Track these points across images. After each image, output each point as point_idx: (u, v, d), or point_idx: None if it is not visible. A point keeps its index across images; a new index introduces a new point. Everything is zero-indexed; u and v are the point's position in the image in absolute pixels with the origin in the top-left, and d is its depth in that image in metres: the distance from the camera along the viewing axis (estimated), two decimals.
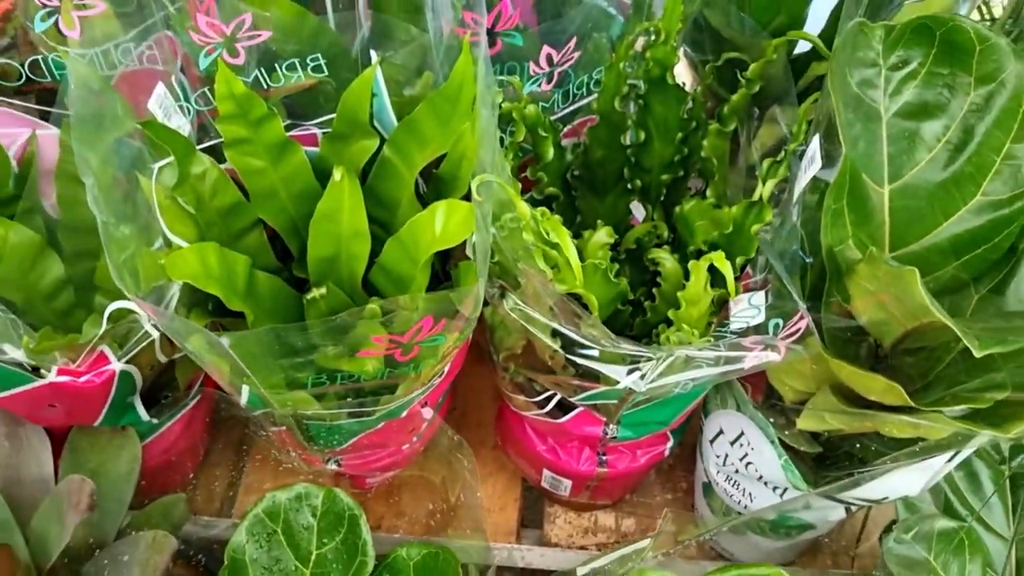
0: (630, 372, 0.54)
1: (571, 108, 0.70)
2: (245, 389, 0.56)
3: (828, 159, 0.56)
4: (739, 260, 0.58)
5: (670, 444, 0.75)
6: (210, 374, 0.57)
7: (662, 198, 0.70)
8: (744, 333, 0.57)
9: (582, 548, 0.82)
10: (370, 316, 0.48)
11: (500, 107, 0.59)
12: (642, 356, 0.52)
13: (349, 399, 0.58)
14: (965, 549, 0.63)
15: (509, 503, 0.85)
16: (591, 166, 0.70)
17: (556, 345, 0.58)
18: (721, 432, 0.72)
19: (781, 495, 0.71)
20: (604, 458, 0.74)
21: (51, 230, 0.69)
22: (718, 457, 0.73)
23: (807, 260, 0.59)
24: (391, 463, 0.74)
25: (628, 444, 0.72)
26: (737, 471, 0.72)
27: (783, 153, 0.57)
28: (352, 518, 0.62)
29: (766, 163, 0.58)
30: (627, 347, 0.52)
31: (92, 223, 0.66)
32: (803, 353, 0.53)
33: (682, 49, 0.74)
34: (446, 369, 0.61)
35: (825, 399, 0.60)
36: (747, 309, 0.58)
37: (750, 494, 0.73)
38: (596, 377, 0.58)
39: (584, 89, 0.68)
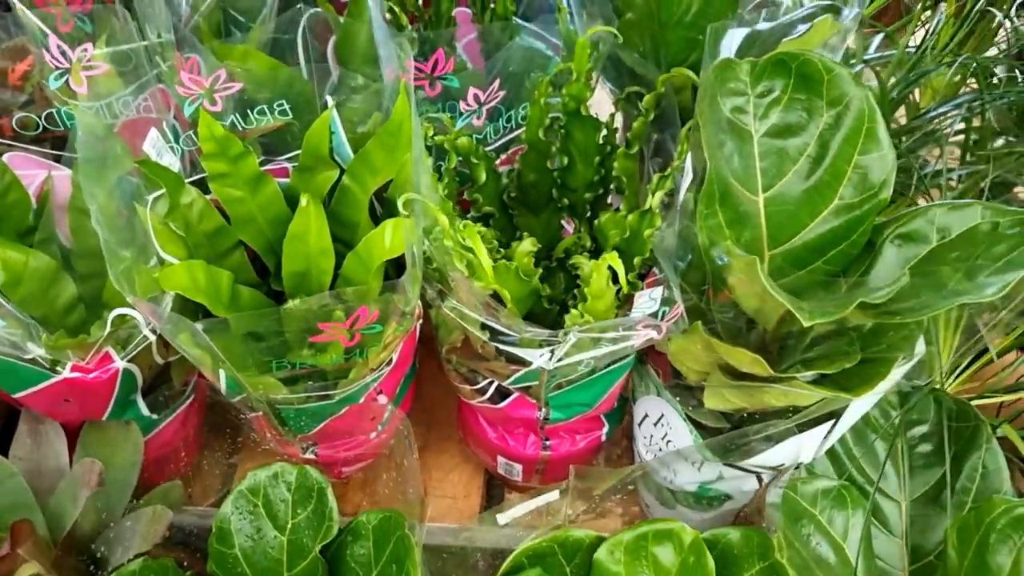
0: (542, 354, 0.65)
1: (505, 139, 0.81)
2: (223, 376, 0.67)
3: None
4: (636, 260, 0.69)
5: (606, 429, 0.86)
6: (196, 365, 0.68)
7: (587, 213, 0.82)
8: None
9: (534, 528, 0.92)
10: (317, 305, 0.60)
11: (433, 139, 0.71)
12: (549, 339, 0.63)
13: (311, 383, 0.69)
14: (847, 503, 0.73)
15: (473, 491, 0.96)
16: (525, 188, 0.81)
17: (485, 336, 0.69)
18: (646, 415, 0.83)
19: (699, 469, 0.81)
20: (547, 442, 0.84)
21: (65, 256, 0.81)
22: (645, 438, 0.84)
23: (680, 262, 0.69)
24: (361, 453, 0.85)
25: (567, 429, 0.83)
26: (661, 449, 0.82)
27: (669, 169, 0.69)
28: (320, 490, 0.73)
29: (656, 177, 0.69)
30: (535, 331, 0.63)
31: (100, 249, 0.79)
32: (676, 332, 0.64)
33: (602, 82, 0.85)
34: (394, 358, 0.72)
35: (716, 377, 0.70)
36: (647, 302, 0.69)
37: (674, 469, 0.83)
38: (520, 361, 0.69)
39: (513, 122, 0.79)
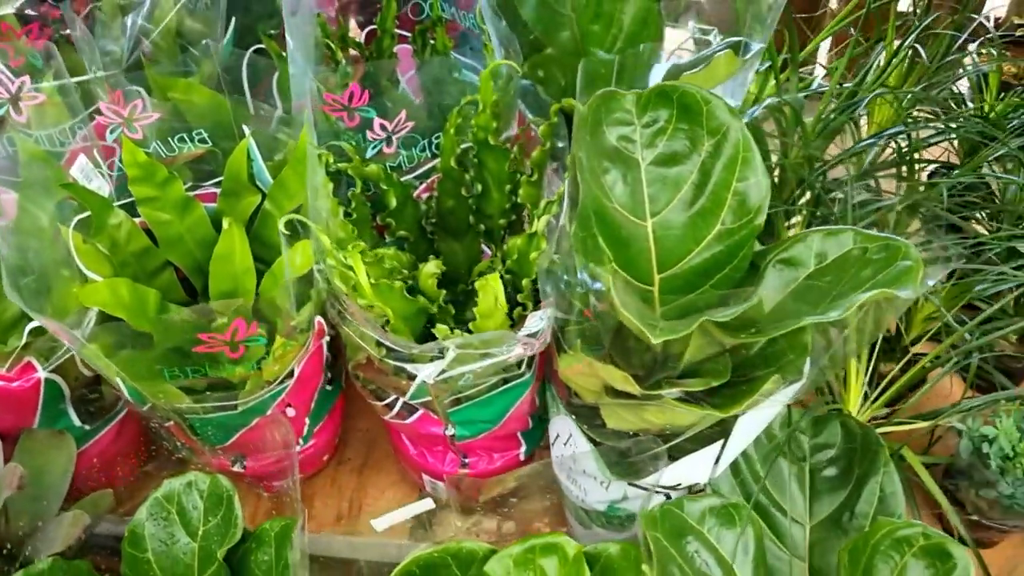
0: (428, 369, 0.68)
1: (426, 167, 0.85)
2: (124, 389, 0.71)
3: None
4: (525, 282, 0.72)
5: (523, 448, 0.88)
6: (105, 377, 0.73)
7: (503, 238, 0.85)
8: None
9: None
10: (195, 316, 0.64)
11: (336, 166, 0.75)
12: (436, 353, 0.67)
13: (212, 393, 0.73)
14: (735, 521, 0.74)
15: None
16: (444, 214, 0.85)
17: (382, 353, 0.72)
18: (558, 435, 0.85)
19: (606, 488, 0.83)
20: (466, 460, 0.87)
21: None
22: (557, 458, 0.86)
23: (563, 284, 0.72)
24: (288, 467, 0.88)
25: (483, 447, 0.86)
26: (571, 468, 0.84)
27: (555, 195, 0.72)
28: (228, 498, 0.77)
29: (543, 203, 0.72)
30: (417, 348, 0.66)
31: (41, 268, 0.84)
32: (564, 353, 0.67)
33: (521, 108, 0.89)
34: (296, 371, 0.76)
35: (604, 396, 0.73)
36: (537, 322, 0.72)
37: (584, 488, 0.85)
38: (413, 376, 0.72)
39: (428, 151, 0.83)
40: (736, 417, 0.72)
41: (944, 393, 0.98)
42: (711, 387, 0.69)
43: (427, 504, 0.76)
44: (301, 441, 0.85)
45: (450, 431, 0.80)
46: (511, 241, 0.79)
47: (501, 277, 0.71)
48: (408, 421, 0.81)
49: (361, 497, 0.99)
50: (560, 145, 0.79)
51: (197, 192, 0.82)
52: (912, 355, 0.96)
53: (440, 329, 0.68)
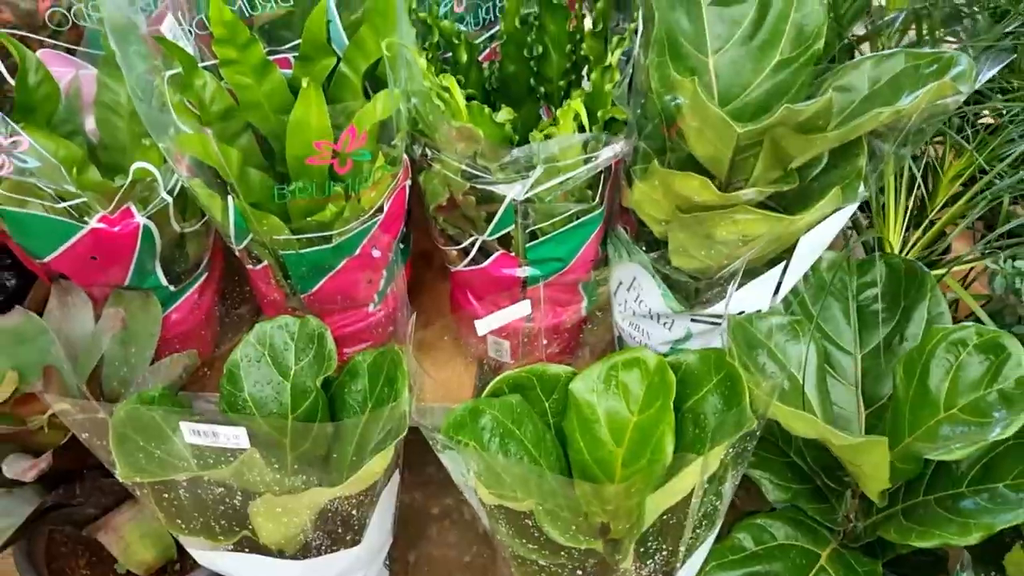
0: (515, 187, 0.73)
1: (488, 34, 0.90)
2: (232, 215, 0.75)
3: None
4: (600, 113, 0.77)
5: (584, 302, 0.93)
6: (208, 211, 0.77)
7: (562, 100, 0.90)
8: None
9: None
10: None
11: (416, 14, 0.80)
12: (522, 164, 0.71)
13: (310, 221, 0.77)
14: (799, 336, 0.80)
15: (467, 380, 1.02)
16: (505, 79, 0.90)
17: (466, 184, 0.77)
18: (620, 283, 0.90)
19: (669, 328, 0.88)
20: (531, 314, 0.92)
21: (91, 148, 0.90)
22: (620, 305, 0.91)
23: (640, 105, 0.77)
24: (361, 329, 0.93)
25: (550, 297, 0.90)
26: (634, 312, 0.90)
27: (626, 32, 0.77)
28: (320, 336, 0.81)
29: (614, 39, 0.77)
30: (508, 157, 0.71)
31: (121, 142, 0.88)
32: (638, 178, 0.72)
33: None
34: (385, 207, 0.80)
35: (676, 222, 0.78)
36: (610, 153, 0.77)
37: (647, 332, 0.90)
38: (497, 199, 0.77)
39: (491, 14, 0.88)
40: (798, 238, 0.78)
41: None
42: (779, 202, 0.75)
43: (524, 308, 0.81)
44: (376, 299, 0.90)
45: (524, 271, 0.84)
46: (575, 93, 0.85)
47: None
48: (483, 265, 0.85)
49: (422, 362, 1.03)
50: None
51: (274, 58, 0.86)
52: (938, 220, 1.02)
53: (535, 134, 0.73)
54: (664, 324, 0.88)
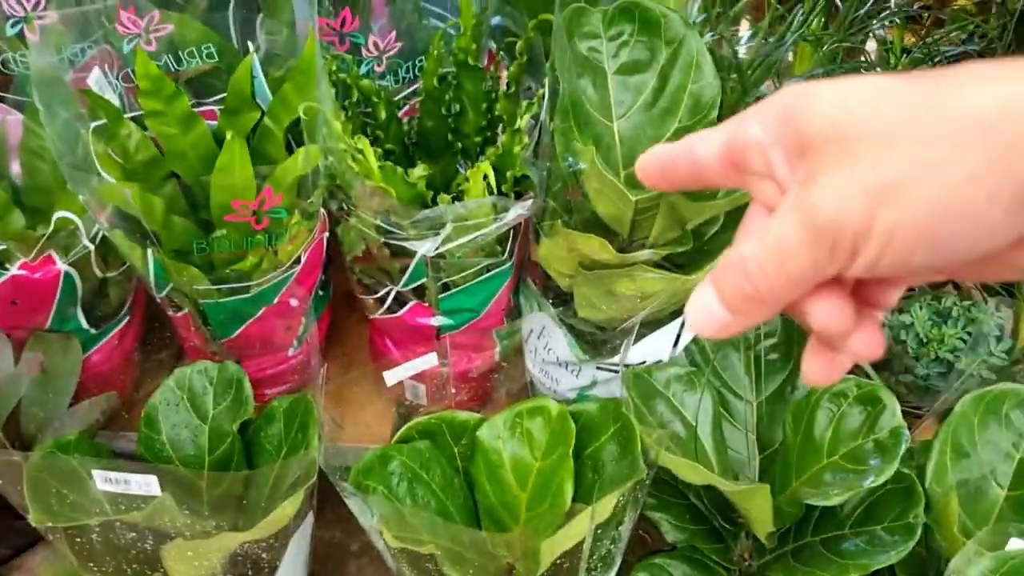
0: (426, 243, 0.77)
1: (409, 90, 0.94)
2: (151, 264, 0.78)
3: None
4: (509, 174, 0.82)
5: (498, 349, 0.97)
6: (129, 259, 0.79)
7: (479, 156, 0.94)
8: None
9: None
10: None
11: (337, 75, 0.84)
12: (432, 223, 0.75)
13: (228, 272, 0.80)
14: (696, 387, 0.85)
15: (385, 420, 1.06)
16: (425, 134, 0.94)
17: (380, 238, 0.81)
18: (532, 331, 0.95)
19: (576, 375, 0.93)
20: (446, 360, 0.95)
21: (15, 192, 0.92)
22: (531, 352, 0.95)
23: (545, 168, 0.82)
24: (283, 371, 0.95)
25: (462, 344, 0.94)
26: (544, 360, 0.94)
27: (535, 97, 0.82)
28: (239, 380, 0.84)
29: (524, 103, 0.82)
30: (419, 216, 0.75)
31: (47, 185, 0.90)
32: (544, 235, 0.77)
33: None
34: (303, 258, 0.83)
35: (580, 277, 0.82)
36: (519, 212, 0.81)
37: (556, 379, 0.95)
38: (409, 254, 0.80)
39: (411, 73, 0.92)
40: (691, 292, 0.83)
41: None
42: (675, 262, 0.80)
43: (432, 360, 0.84)
44: (295, 343, 0.93)
45: (437, 321, 0.88)
46: (489, 151, 0.89)
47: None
48: (398, 314, 0.89)
49: (343, 412, 1.06)
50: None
51: (200, 109, 0.89)
52: None
53: (443, 197, 0.77)
54: (572, 371, 0.93)
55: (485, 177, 0.78)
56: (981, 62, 0.30)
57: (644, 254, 0.76)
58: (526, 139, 0.81)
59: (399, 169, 0.77)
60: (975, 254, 0.30)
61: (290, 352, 0.94)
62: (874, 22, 1.22)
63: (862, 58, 1.28)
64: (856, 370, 0.99)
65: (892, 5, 1.35)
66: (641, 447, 0.74)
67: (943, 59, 1.27)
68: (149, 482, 0.67)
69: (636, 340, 0.87)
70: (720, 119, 0.83)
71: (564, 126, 0.79)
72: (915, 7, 1.44)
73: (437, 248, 0.77)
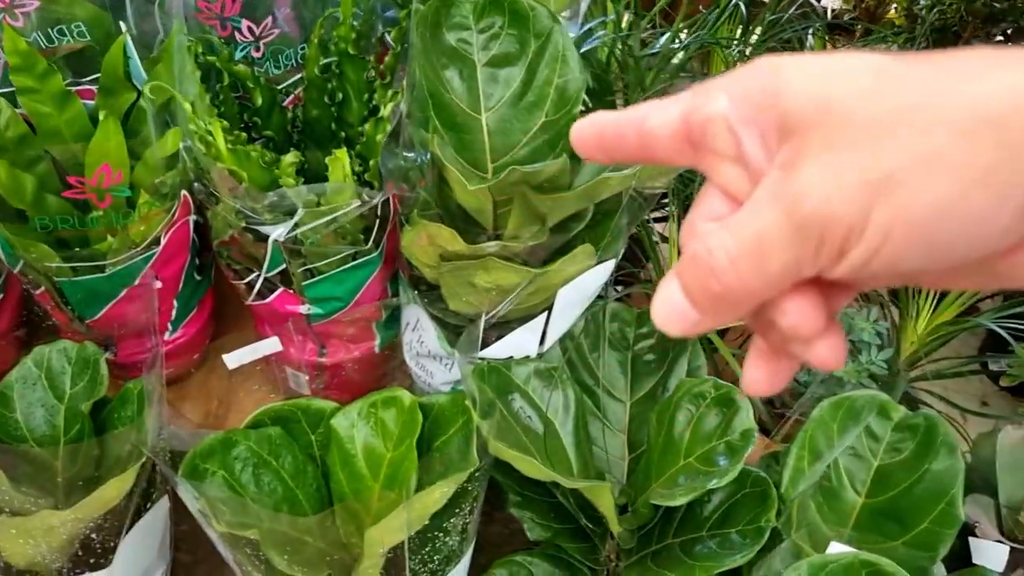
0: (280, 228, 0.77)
1: (293, 79, 0.94)
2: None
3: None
4: (372, 162, 0.81)
5: (378, 340, 0.96)
6: None
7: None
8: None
9: None
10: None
11: (204, 58, 0.83)
12: (285, 208, 0.75)
13: (80, 250, 0.79)
14: (557, 383, 0.84)
15: None
16: (309, 123, 0.93)
17: (241, 222, 0.80)
18: (408, 323, 0.94)
19: (449, 369, 0.92)
20: (323, 350, 0.95)
21: None
22: (407, 345, 0.95)
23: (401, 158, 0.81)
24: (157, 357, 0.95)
25: (340, 334, 0.93)
26: (418, 353, 0.93)
27: (400, 86, 0.81)
28: (95, 361, 0.83)
29: (388, 92, 0.81)
30: (267, 198, 0.74)
31: None
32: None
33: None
34: (162, 240, 0.83)
35: (438, 267, 0.82)
36: (380, 196, 0.81)
37: (430, 372, 0.94)
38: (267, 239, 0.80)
39: (293, 60, 0.92)
40: (556, 288, 0.83)
41: None
42: (539, 257, 0.79)
43: (274, 344, 0.84)
44: (170, 327, 0.92)
45: (306, 309, 0.87)
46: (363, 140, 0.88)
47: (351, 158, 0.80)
48: (268, 300, 0.88)
49: (231, 398, 1.06)
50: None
51: (78, 88, 0.89)
52: None
53: (286, 181, 0.76)
54: (444, 365, 0.92)
55: (344, 168, 0.77)
56: (977, 48, 0.27)
57: (492, 246, 0.75)
58: (388, 127, 0.80)
59: (253, 153, 0.77)
60: (970, 258, 0.27)
61: (166, 336, 0.93)
62: (788, 29, 1.22)
63: None
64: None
65: (820, 14, 1.36)
66: (477, 440, 0.73)
67: None
68: None
69: (505, 334, 0.86)
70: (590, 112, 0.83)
71: (420, 116, 0.78)
72: (845, 18, 1.44)
73: (289, 232, 0.76)
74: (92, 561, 0.75)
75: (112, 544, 0.76)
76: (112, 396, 0.84)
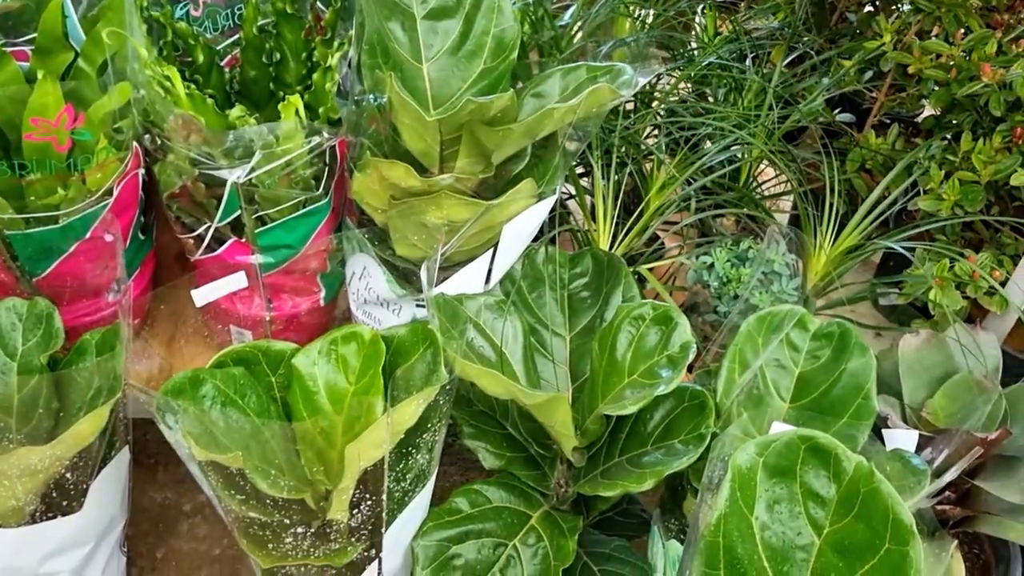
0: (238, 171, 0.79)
1: (229, 40, 0.96)
2: None
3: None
4: (321, 110, 0.85)
5: (322, 294, 0.99)
6: None
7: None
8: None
9: None
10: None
11: (149, 13, 0.85)
12: (237, 142, 0.78)
13: (34, 199, 0.79)
14: (504, 313, 0.89)
15: None
16: (247, 83, 0.96)
17: (195, 170, 0.82)
18: (354, 273, 0.97)
19: (397, 314, 0.96)
20: (271, 304, 0.97)
21: None
22: (354, 294, 0.98)
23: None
24: (107, 317, 0.95)
25: (287, 286, 0.96)
26: (365, 300, 0.97)
27: (344, 37, 0.85)
28: (49, 315, 0.83)
29: (335, 43, 0.85)
30: (228, 138, 0.77)
31: None
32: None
33: None
34: (115, 191, 0.84)
35: (389, 209, 0.86)
36: (323, 135, 0.85)
37: (377, 319, 0.98)
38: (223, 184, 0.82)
39: (231, 21, 0.94)
40: (500, 224, 0.88)
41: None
42: (484, 196, 0.84)
43: (240, 280, 0.86)
44: (116, 286, 0.92)
45: (256, 259, 0.90)
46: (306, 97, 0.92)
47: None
48: (218, 252, 0.90)
49: (172, 362, 1.06)
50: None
51: (11, 49, 0.89)
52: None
53: (243, 120, 0.79)
54: (392, 310, 0.96)
55: (298, 112, 0.81)
56: None
57: (447, 178, 0.80)
58: (337, 76, 0.84)
59: (208, 99, 0.79)
60: None
61: (110, 297, 0.93)
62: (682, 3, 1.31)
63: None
64: None
65: None
66: (444, 359, 0.77)
67: (751, 42, 1.38)
68: None
69: (451, 275, 0.91)
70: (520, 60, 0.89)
71: (371, 62, 0.82)
72: None
73: (248, 175, 0.79)
74: (65, 504, 0.75)
75: (84, 486, 0.77)
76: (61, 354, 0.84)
